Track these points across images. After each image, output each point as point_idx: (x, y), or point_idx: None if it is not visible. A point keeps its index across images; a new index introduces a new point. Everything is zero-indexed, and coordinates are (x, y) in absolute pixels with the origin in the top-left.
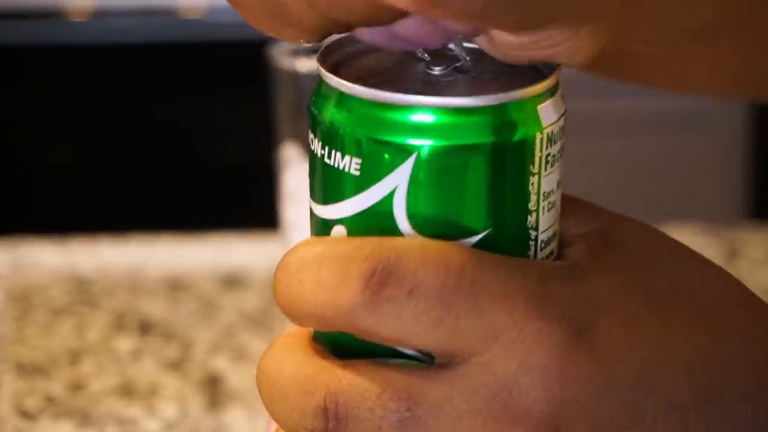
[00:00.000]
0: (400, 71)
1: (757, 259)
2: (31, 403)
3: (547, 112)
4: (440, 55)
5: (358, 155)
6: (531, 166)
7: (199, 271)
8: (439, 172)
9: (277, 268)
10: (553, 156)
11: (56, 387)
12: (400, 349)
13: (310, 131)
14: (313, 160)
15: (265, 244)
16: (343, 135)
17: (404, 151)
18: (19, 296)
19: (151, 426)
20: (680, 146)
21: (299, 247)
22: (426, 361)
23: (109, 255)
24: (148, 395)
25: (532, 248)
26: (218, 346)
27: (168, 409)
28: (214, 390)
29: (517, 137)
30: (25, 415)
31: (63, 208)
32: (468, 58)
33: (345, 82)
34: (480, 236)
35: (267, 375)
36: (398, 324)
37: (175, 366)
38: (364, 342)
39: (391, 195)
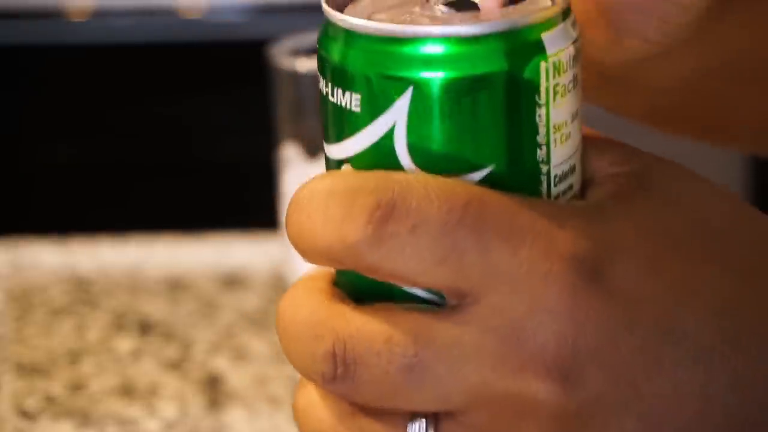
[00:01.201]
0: (404, 8)
1: None
2: (31, 403)
3: (553, 40)
4: None
5: (357, 91)
6: (536, 97)
7: (199, 271)
8: (437, 106)
9: (289, 203)
10: (564, 86)
11: (56, 387)
12: (412, 290)
13: (318, 71)
14: (322, 100)
15: (265, 244)
16: (342, 71)
17: (400, 85)
18: (19, 296)
19: (151, 426)
20: (680, 146)
21: (310, 181)
22: (439, 303)
23: (109, 255)
24: (148, 395)
25: (544, 183)
26: (218, 346)
27: (168, 409)
28: (214, 390)
29: (517, 66)
30: (25, 415)
31: (63, 208)
32: None
33: (339, 16)
34: (485, 171)
35: (283, 318)
36: (402, 260)
37: (175, 366)
38: (378, 284)
39: (391, 130)
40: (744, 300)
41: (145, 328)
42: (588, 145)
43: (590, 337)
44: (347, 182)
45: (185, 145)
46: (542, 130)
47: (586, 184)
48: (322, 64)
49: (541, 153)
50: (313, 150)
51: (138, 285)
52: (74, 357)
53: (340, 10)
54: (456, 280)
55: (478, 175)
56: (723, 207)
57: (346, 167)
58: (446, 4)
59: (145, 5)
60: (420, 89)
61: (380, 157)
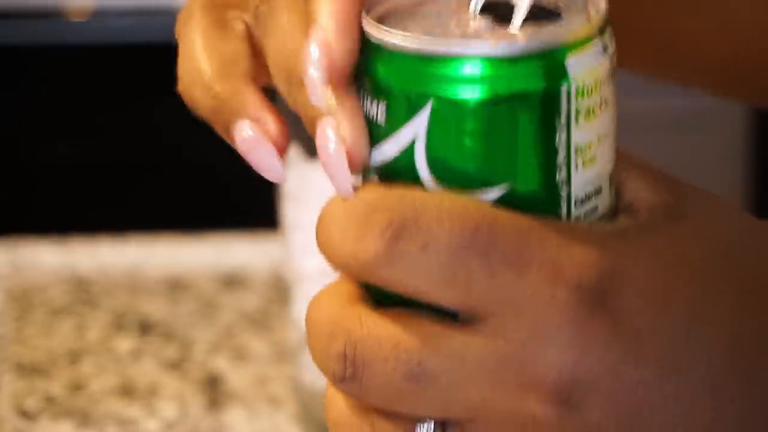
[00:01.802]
0: (438, 19)
1: None
2: (31, 403)
3: (579, 63)
4: (486, 6)
5: (383, 102)
6: (557, 119)
7: (199, 271)
8: (456, 122)
9: (319, 216)
10: (589, 108)
11: (56, 387)
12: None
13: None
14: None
15: (265, 244)
16: (370, 81)
17: (420, 100)
18: (19, 296)
19: (151, 426)
20: (680, 146)
21: (336, 196)
22: (454, 315)
23: (109, 255)
24: (148, 395)
25: (564, 204)
26: (218, 346)
27: (168, 409)
28: (214, 390)
29: (539, 88)
30: (25, 415)
31: (63, 208)
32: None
33: (371, 28)
34: (502, 189)
35: (308, 316)
36: (412, 277)
37: (175, 366)
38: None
39: (412, 144)
40: (760, 335)
41: (145, 328)
42: (628, 170)
43: (592, 366)
44: (366, 199)
45: (185, 144)
46: (562, 152)
47: (621, 209)
48: (359, 70)
49: (560, 175)
50: (313, 150)
51: (138, 285)
52: (74, 357)
53: (380, 21)
54: (464, 300)
55: (496, 192)
56: (753, 242)
57: (373, 176)
58: (483, 12)
59: (145, 5)
60: (439, 105)
61: (402, 168)
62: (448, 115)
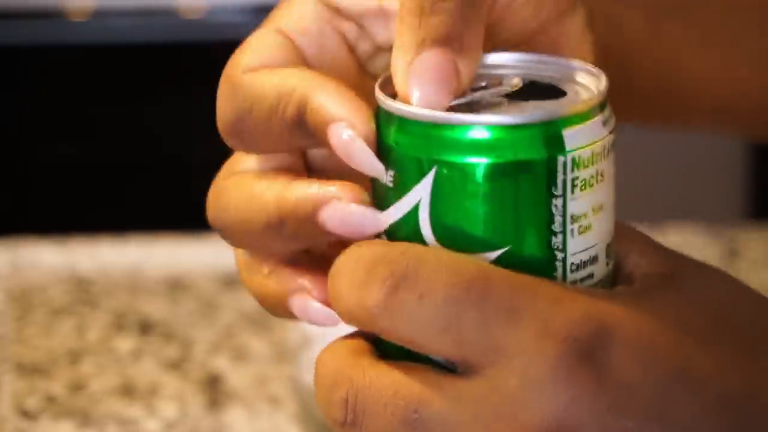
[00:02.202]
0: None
1: (757, 259)
2: (32, 403)
3: (575, 136)
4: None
5: (391, 168)
6: (553, 189)
7: (199, 271)
8: (457, 188)
9: (330, 273)
10: (585, 180)
11: (56, 387)
12: (428, 355)
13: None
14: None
15: None
16: (380, 146)
17: (424, 166)
18: (19, 296)
19: (151, 426)
20: (680, 146)
21: (347, 249)
22: (451, 369)
23: (109, 255)
24: (148, 395)
25: (559, 269)
26: (218, 346)
27: (168, 409)
28: (214, 390)
29: (535, 159)
30: (26, 414)
31: (63, 208)
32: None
33: (379, 95)
34: (500, 252)
35: (317, 366)
36: (410, 327)
37: (175, 366)
38: (401, 347)
39: (416, 207)
40: (747, 393)
41: (145, 328)
42: (630, 246)
43: (578, 416)
44: (372, 252)
45: (185, 144)
46: (558, 219)
47: (620, 280)
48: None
49: (556, 241)
50: None
51: (138, 285)
52: (74, 357)
53: (388, 86)
54: (458, 351)
55: (493, 254)
56: (742, 308)
57: (382, 237)
58: (488, 86)
59: (145, 5)
60: (441, 171)
61: (407, 230)
62: (450, 180)
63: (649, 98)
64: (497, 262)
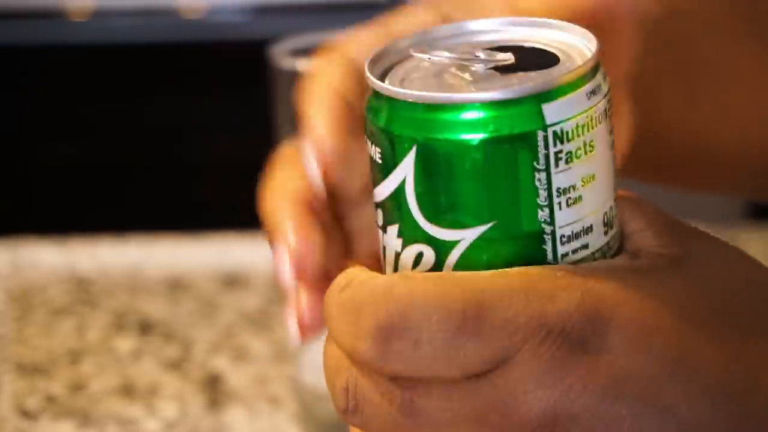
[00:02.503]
0: (437, 77)
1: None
2: (32, 402)
3: (557, 110)
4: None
5: (378, 145)
6: (535, 163)
7: (199, 271)
8: (438, 165)
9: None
10: (570, 152)
11: (57, 387)
12: None
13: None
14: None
15: (265, 244)
16: (368, 124)
17: (407, 144)
18: (20, 296)
19: (151, 426)
20: None
21: (331, 285)
22: None
23: (109, 255)
24: (149, 395)
25: (549, 242)
26: (218, 346)
27: (168, 409)
28: (214, 390)
29: (515, 133)
30: (26, 414)
31: (63, 208)
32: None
33: (368, 77)
34: (486, 227)
35: (324, 353)
36: (413, 369)
37: (175, 366)
38: None
39: (402, 183)
40: (746, 379)
41: (145, 328)
42: (637, 219)
43: (573, 404)
44: (354, 299)
45: (185, 144)
46: (543, 193)
47: (628, 251)
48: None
49: (542, 214)
50: None
51: (138, 285)
52: (75, 357)
53: (384, 74)
54: (461, 372)
55: (481, 229)
56: (750, 292)
57: (378, 212)
58: (466, 61)
59: (146, 5)
60: (422, 149)
61: (397, 205)
62: (432, 157)
63: (683, 166)
64: (484, 236)
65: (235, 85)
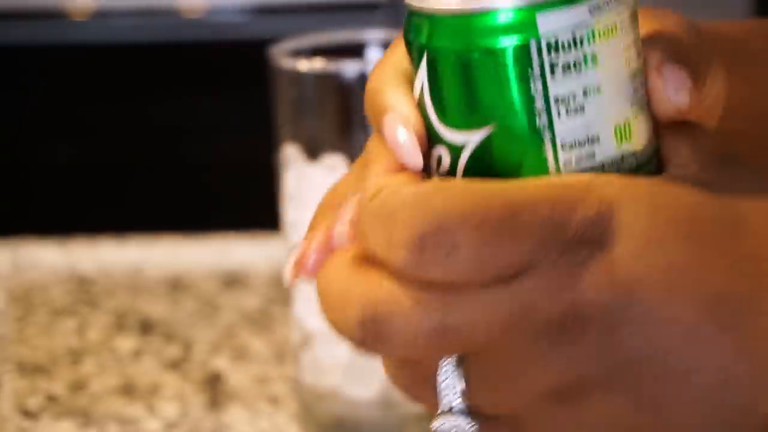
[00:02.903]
0: None
1: None
2: (33, 402)
3: (550, 20)
4: None
5: (410, 54)
6: (529, 71)
7: (199, 271)
8: (442, 69)
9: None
10: (567, 63)
11: (57, 387)
12: None
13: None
14: None
15: (265, 244)
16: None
17: (419, 52)
18: (20, 296)
19: (151, 425)
20: None
21: (360, 197)
22: None
23: (110, 255)
24: (149, 395)
25: (549, 148)
26: (218, 346)
27: (168, 409)
28: (214, 390)
29: (508, 43)
30: (27, 414)
31: (63, 208)
32: None
33: None
34: (488, 129)
35: (320, 290)
36: (447, 274)
37: (176, 366)
38: None
39: (421, 90)
40: (741, 299)
41: (145, 328)
42: (682, 146)
43: (590, 302)
44: (387, 205)
45: (185, 144)
46: (540, 100)
47: (661, 164)
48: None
49: (540, 120)
50: (313, 150)
51: (138, 285)
52: (75, 357)
53: None
54: (494, 278)
55: (483, 132)
56: None
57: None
58: None
59: (146, 5)
60: (432, 55)
61: (422, 108)
62: (438, 64)
63: None
64: (487, 140)
65: (235, 86)
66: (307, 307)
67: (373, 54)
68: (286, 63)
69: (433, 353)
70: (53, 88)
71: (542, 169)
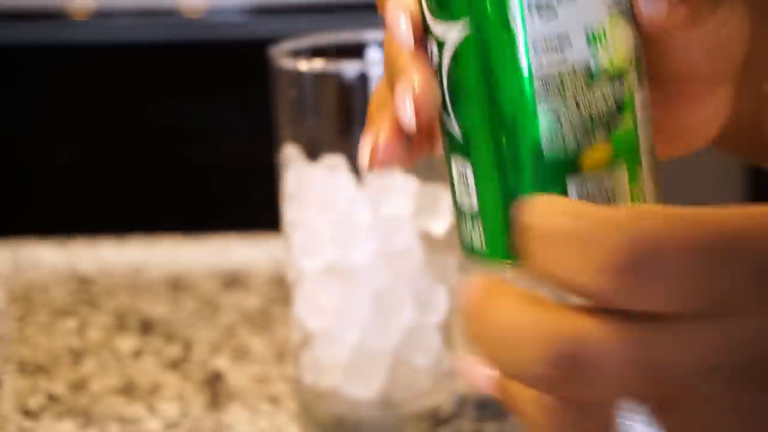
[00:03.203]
0: None
1: None
2: (34, 402)
3: None
4: None
5: None
6: None
7: (199, 271)
8: None
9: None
10: None
11: (58, 386)
12: None
13: None
14: None
15: (265, 244)
16: None
17: None
18: (21, 296)
19: (152, 425)
20: None
21: (523, 217)
22: None
23: (110, 255)
24: (149, 395)
25: (521, 49)
26: (219, 346)
27: (169, 409)
28: (214, 389)
29: None
30: (28, 414)
31: (63, 208)
32: None
33: None
34: (464, 24)
35: (481, 328)
36: (657, 302)
37: (176, 366)
38: None
39: None
40: None
41: (146, 327)
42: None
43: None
44: (584, 229)
45: (185, 145)
46: (515, 4)
47: (643, 76)
48: None
49: (515, 22)
50: (313, 150)
51: (139, 285)
52: (76, 357)
53: None
54: (707, 309)
55: (460, 26)
56: None
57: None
58: None
59: (146, 5)
60: None
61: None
62: None
63: None
64: (465, 38)
65: (235, 86)
66: (307, 307)
67: (373, 54)
68: (286, 63)
69: (635, 393)
70: (53, 88)
71: (516, 72)
